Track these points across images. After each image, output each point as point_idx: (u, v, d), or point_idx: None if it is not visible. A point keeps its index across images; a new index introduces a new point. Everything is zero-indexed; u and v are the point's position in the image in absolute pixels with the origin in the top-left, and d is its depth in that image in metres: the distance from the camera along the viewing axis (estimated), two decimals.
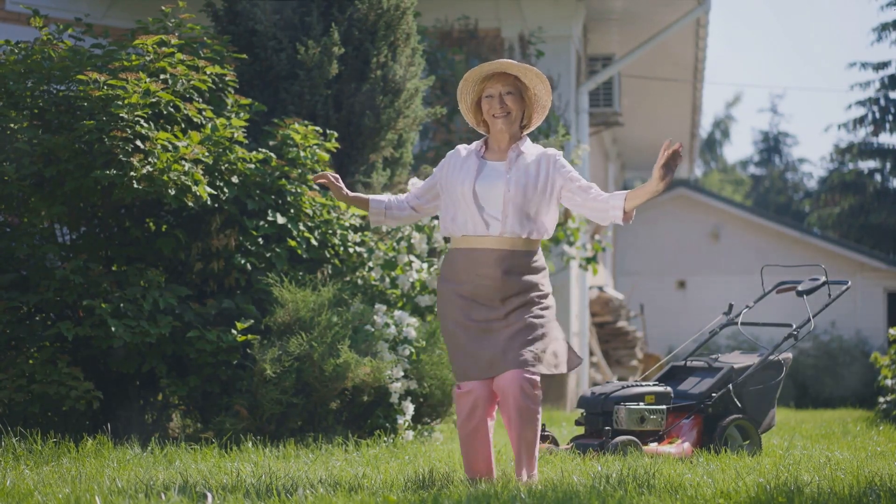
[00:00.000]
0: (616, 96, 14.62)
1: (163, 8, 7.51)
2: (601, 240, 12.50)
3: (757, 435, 6.48)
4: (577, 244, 11.29)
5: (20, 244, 6.75)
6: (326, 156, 7.51)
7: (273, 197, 7.23)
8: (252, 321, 6.83)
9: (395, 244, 7.69)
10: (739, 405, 6.46)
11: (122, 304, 6.55)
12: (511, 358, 4.64)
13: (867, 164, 28.30)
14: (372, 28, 8.20)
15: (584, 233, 11.40)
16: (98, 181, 6.56)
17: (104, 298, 6.60)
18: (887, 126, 27.31)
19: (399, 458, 5.98)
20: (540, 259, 4.84)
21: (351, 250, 7.49)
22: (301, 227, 7.27)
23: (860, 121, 27.38)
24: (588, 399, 6.30)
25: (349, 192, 5.00)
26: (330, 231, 7.40)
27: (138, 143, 6.56)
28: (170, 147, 6.63)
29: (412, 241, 7.75)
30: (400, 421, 7.04)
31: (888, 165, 27.79)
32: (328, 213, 7.40)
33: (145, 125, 6.58)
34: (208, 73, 7.12)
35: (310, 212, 7.31)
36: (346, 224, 7.50)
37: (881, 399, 10.26)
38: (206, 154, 6.83)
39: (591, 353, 14.30)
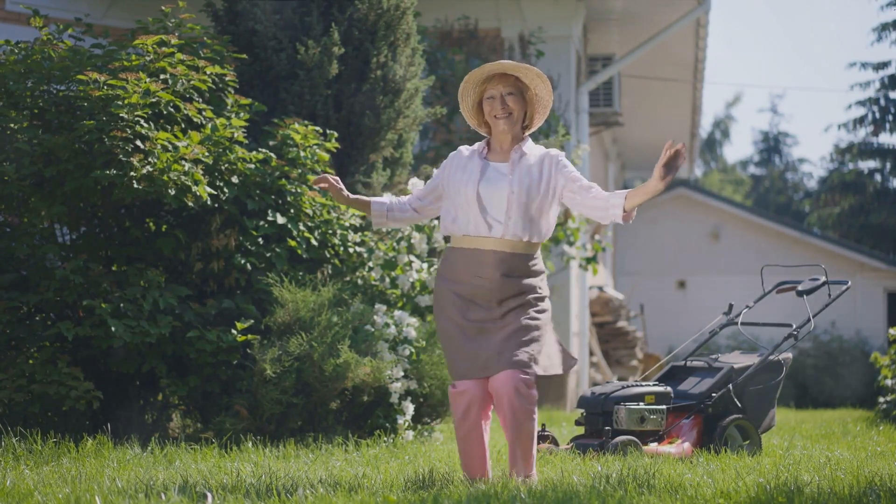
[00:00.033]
0: (616, 96, 14.62)
1: (163, 8, 7.51)
2: (601, 240, 12.50)
3: (757, 435, 6.48)
4: (577, 244, 11.29)
5: (20, 244, 6.75)
6: (326, 156, 7.51)
7: (273, 197, 7.23)
8: (252, 321, 6.83)
9: (395, 244, 7.69)
10: (739, 405, 6.46)
11: (122, 304, 6.55)
12: (506, 358, 4.65)
13: (867, 164, 28.31)
14: (372, 28, 8.20)
15: (584, 233, 11.40)
16: (98, 181, 6.56)
17: (104, 298, 6.60)
18: (887, 126, 27.31)
19: (399, 458, 5.98)
20: (539, 262, 4.85)
21: (351, 250, 7.49)
22: (301, 227, 7.27)
23: (860, 121, 27.38)
24: (588, 399, 6.30)
25: (350, 194, 5.00)
26: (330, 231, 7.40)
27: (138, 143, 6.56)
28: (170, 147, 6.63)
29: (412, 241, 7.75)
30: (400, 421, 7.04)
31: (888, 165, 27.79)
32: (328, 213, 7.40)
33: (145, 125, 6.58)
34: (208, 73, 7.12)
35: (310, 212, 7.31)
36: (346, 224, 7.50)
37: (881, 399, 10.26)
38: (206, 154, 6.83)
39: (591, 353, 14.30)
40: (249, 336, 6.82)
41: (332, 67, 7.96)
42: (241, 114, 7.27)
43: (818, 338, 21.83)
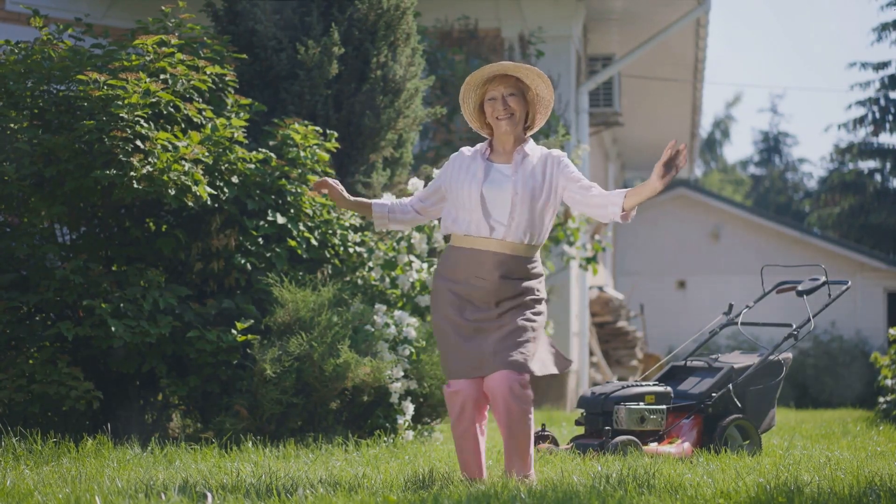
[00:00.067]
0: (616, 96, 14.62)
1: (163, 8, 7.51)
2: (601, 240, 12.50)
3: (757, 435, 6.48)
4: (577, 244, 11.28)
5: (20, 244, 6.75)
6: (326, 156, 7.51)
7: (273, 197, 7.23)
8: (252, 321, 6.83)
9: (395, 244, 7.69)
10: (739, 405, 6.46)
11: (122, 304, 6.55)
12: (501, 359, 4.65)
13: (867, 164, 28.31)
14: (372, 28, 8.20)
15: (584, 233, 11.40)
16: (98, 181, 6.56)
17: (104, 298, 6.60)
18: (887, 126, 27.31)
19: (399, 458, 5.98)
20: (538, 265, 4.85)
21: (351, 250, 7.49)
22: (301, 227, 7.27)
23: (860, 121, 27.38)
24: (588, 399, 6.30)
25: (351, 197, 4.99)
26: (330, 231, 7.40)
27: (138, 143, 6.56)
28: (170, 147, 6.63)
29: (412, 241, 7.75)
30: (400, 421, 7.04)
31: (888, 165, 27.80)
32: (328, 213, 7.40)
33: (145, 125, 6.58)
34: (208, 73, 7.12)
35: (310, 212, 7.31)
36: (346, 224, 7.50)
37: (881, 399, 10.26)
38: (206, 154, 6.83)
39: (591, 353, 14.30)
40: (249, 336, 6.82)
41: (332, 67, 7.96)
42: (241, 114, 7.27)
43: (818, 338, 21.83)
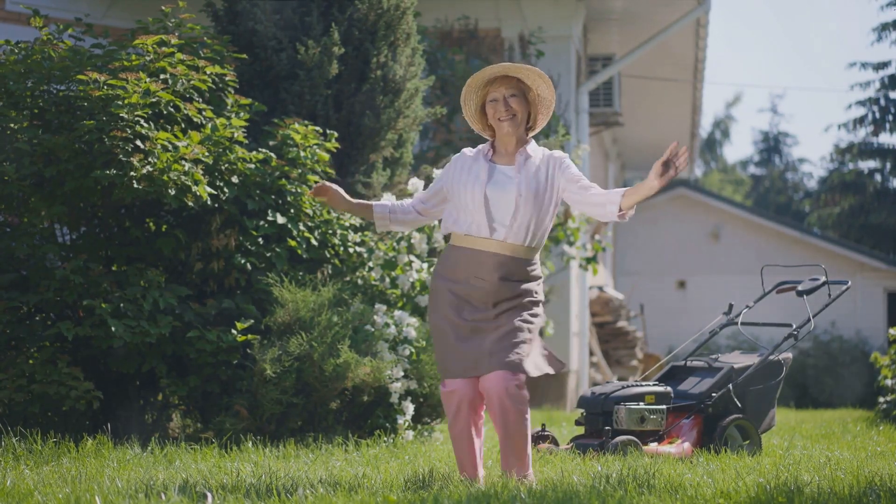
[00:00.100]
0: (616, 96, 14.62)
1: (163, 8, 7.51)
2: (601, 240, 12.50)
3: (757, 435, 6.48)
4: (577, 244, 11.28)
5: (20, 244, 6.75)
6: (326, 156, 7.51)
7: (273, 197, 7.23)
8: (252, 321, 6.83)
9: (395, 244, 7.69)
10: (739, 405, 6.46)
11: (122, 304, 6.55)
12: (497, 359, 4.65)
13: (867, 164, 28.32)
14: (372, 28, 8.20)
15: (584, 233, 11.41)
16: (98, 181, 6.56)
17: (104, 298, 6.60)
18: (887, 126, 27.32)
19: (399, 458, 5.98)
20: (537, 268, 4.86)
21: (351, 250, 7.49)
22: (301, 227, 7.27)
23: (860, 121, 27.39)
24: (588, 399, 6.30)
25: (351, 199, 4.97)
26: (330, 231, 7.40)
27: (138, 143, 6.56)
28: (170, 147, 6.63)
29: (412, 241, 7.75)
30: (400, 421, 7.04)
31: (888, 165, 27.80)
32: (328, 213, 7.40)
33: (145, 125, 6.58)
34: (208, 73, 7.12)
35: (310, 212, 7.31)
36: (346, 224, 7.50)
37: (881, 399, 10.26)
38: (206, 154, 6.83)
39: (591, 353, 14.30)
40: (249, 336, 6.82)
41: (332, 67, 7.96)
42: (241, 114, 7.27)
43: (818, 338, 21.83)
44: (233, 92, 7.46)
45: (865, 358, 20.08)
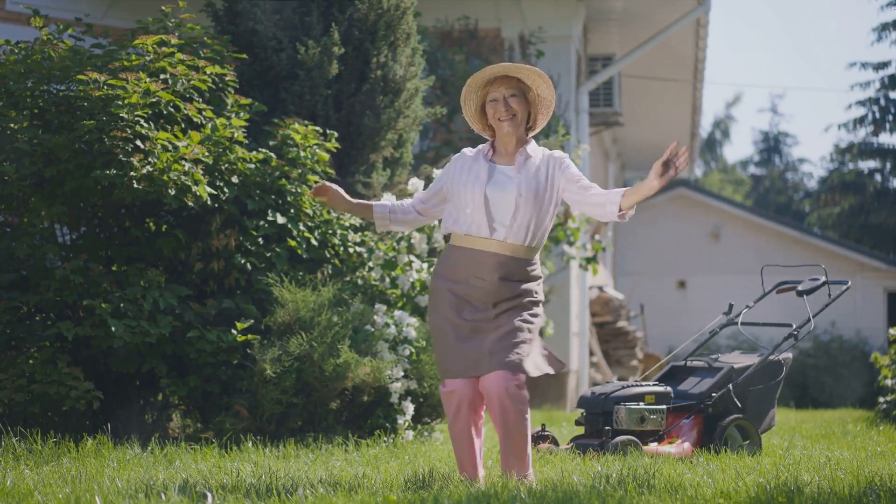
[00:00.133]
0: (616, 96, 14.62)
1: (163, 8, 7.51)
2: (601, 240, 12.50)
3: (757, 435, 6.48)
4: (577, 244, 11.29)
5: (20, 244, 6.75)
6: (326, 156, 7.51)
7: (273, 197, 7.23)
8: (252, 321, 6.83)
9: (395, 244, 7.69)
10: (739, 405, 6.46)
11: (122, 304, 6.55)
12: (497, 359, 4.65)
13: (867, 164, 28.32)
14: (372, 28, 8.20)
15: (584, 233, 11.41)
16: (98, 181, 6.56)
17: (104, 298, 6.60)
18: (887, 126, 27.32)
19: (399, 458, 5.98)
20: (537, 268, 4.86)
21: (351, 250, 7.49)
22: (301, 227, 7.27)
23: (860, 121, 27.39)
24: (588, 399, 6.30)
25: (351, 199, 4.97)
26: (330, 231, 7.40)
27: (138, 143, 6.56)
28: (170, 147, 6.63)
29: (412, 241, 7.75)
30: (400, 421, 7.04)
31: (888, 165, 27.80)
32: (328, 213, 7.40)
33: (145, 125, 6.58)
34: (208, 73, 7.12)
35: (310, 212, 7.31)
36: (346, 224, 7.50)
37: (881, 399, 10.26)
38: (206, 154, 6.83)
39: (591, 353, 14.30)
40: (249, 336, 6.82)
41: (332, 67, 7.96)
42: (241, 114, 7.27)
43: (818, 338, 21.83)
44: (233, 92, 7.46)
45: (865, 358, 20.08)
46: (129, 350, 6.68)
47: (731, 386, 6.45)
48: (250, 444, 6.33)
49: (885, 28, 26.89)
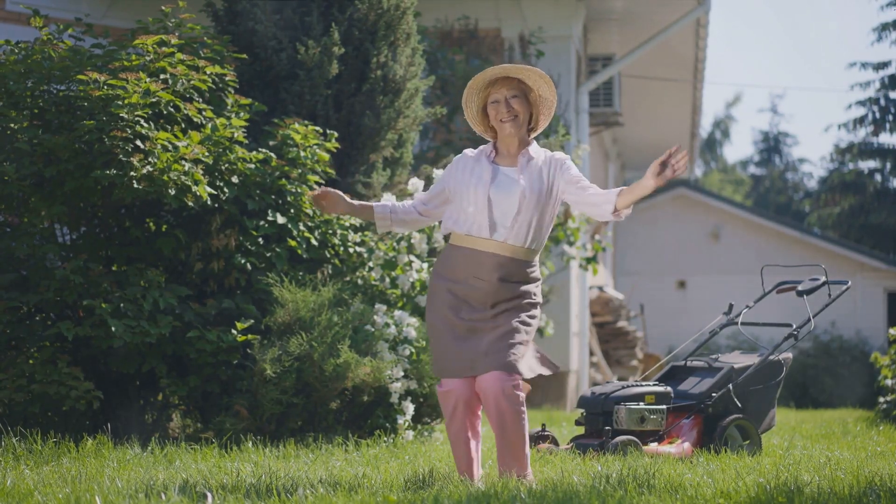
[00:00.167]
0: (616, 96, 14.62)
1: (163, 8, 7.51)
2: (601, 240, 12.50)
3: (757, 435, 6.48)
4: (577, 244, 11.28)
5: (20, 244, 6.75)
6: (326, 156, 7.51)
7: (273, 197, 7.23)
8: (252, 321, 6.83)
9: (395, 244, 7.69)
10: (739, 405, 6.46)
11: (122, 304, 6.55)
12: (493, 359, 4.66)
13: (867, 164, 28.32)
14: (372, 28, 8.20)
15: (584, 233, 11.41)
16: (98, 181, 6.56)
17: (104, 298, 6.60)
18: (887, 126, 27.32)
19: (399, 458, 5.98)
20: (537, 270, 4.86)
21: (351, 250, 7.49)
22: (301, 227, 7.27)
23: (860, 121, 27.39)
24: (588, 399, 6.30)
25: (352, 201, 4.96)
26: (330, 231, 7.40)
27: (138, 143, 6.56)
28: (170, 147, 6.63)
29: (412, 241, 7.75)
30: (400, 421, 7.04)
31: (888, 165, 27.80)
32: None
33: (145, 125, 6.58)
34: (208, 73, 7.12)
35: (310, 212, 7.31)
36: (346, 224, 7.50)
37: (881, 399, 10.26)
38: (206, 154, 6.83)
39: (591, 353, 14.30)
40: (249, 336, 6.82)
41: (332, 67, 7.96)
42: (241, 114, 7.27)
43: (818, 338, 21.83)
44: (233, 92, 7.46)
45: (865, 358, 20.08)
46: (129, 350, 6.68)
47: (731, 386, 6.45)
48: (250, 444, 6.33)
49: (885, 28, 26.89)
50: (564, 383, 12.52)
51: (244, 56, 7.73)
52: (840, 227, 27.50)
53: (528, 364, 4.75)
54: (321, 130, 7.73)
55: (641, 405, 6.14)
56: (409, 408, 7.11)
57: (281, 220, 7.16)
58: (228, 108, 7.32)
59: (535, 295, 4.83)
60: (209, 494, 4.31)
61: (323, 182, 7.65)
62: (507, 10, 12.32)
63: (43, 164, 6.59)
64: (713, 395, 6.43)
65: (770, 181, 41.19)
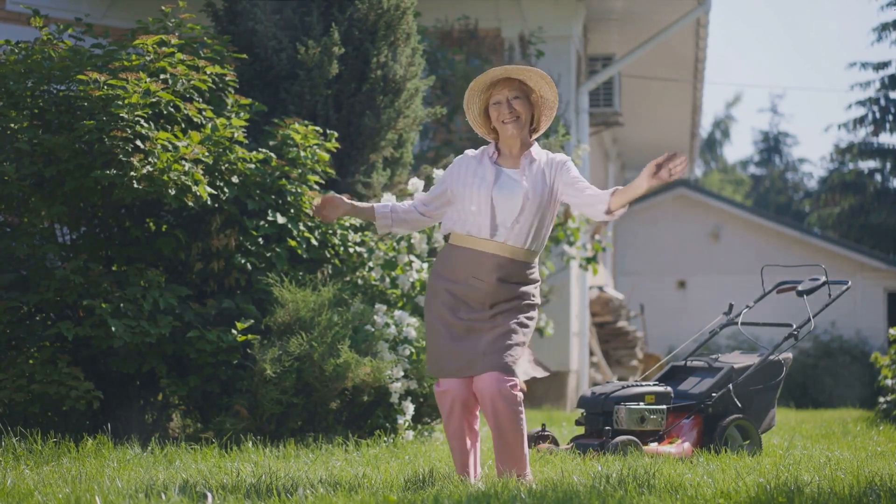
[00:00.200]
0: (616, 96, 14.62)
1: (163, 8, 7.51)
2: (601, 240, 12.50)
3: (757, 435, 6.48)
4: (577, 244, 11.29)
5: (20, 244, 6.75)
6: (326, 156, 7.51)
7: (273, 197, 7.23)
8: (252, 321, 6.83)
9: (395, 244, 7.69)
10: (739, 405, 6.46)
11: (122, 304, 6.55)
12: (490, 360, 4.66)
13: (867, 164, 28.33)
14: (372, 28, 8.20)
15: (584, 233, 11.41)
16: (98, 181, 6.56)
17: (104, 298, 6.60)
18: (887, 126, 27.32)
19: (399, 458, 5.98)
20: (536, 271, 4.87)
21: (351, 250, 7.49)
22: (301, 227, 7.27)
23: (860, 121, 27.39)
24: (588, 399, 6.30)
25: (352, 203, 4.95)
26: (330, 231, 7.40)
27: (138, 143, 6.56)
28: (170, 147, 6.63)
29: (412, 241, 7.76)
30: (400, 421, 7.04)
31: (888, 165, 27.80)
32: None
33: (145, 125, 6.59)
34: (208, 73, 7.12)
35: (310, 212, 7.31)
36: (346, 224, 7.50)
37: (881, 399, 10.26)
38: (206, 154, 6.83)
39: (592, 353, 14.30)
40: (249, 336, 6.82)
41: (332, 67, 7.96)
42: (241, 114, 7.27)
43: (818, 338, 21.83)
44: (233, 92, 7.46)
45: (865, 358, 20.08)
46: (129, 350, 6.68)
47: (731, 386, 6.45)
48: (250, 444, 6.33)
49: (885, 28, 26.89)
50: (564, 383, 12.52)
51: (244, 56, 7.73)
52: (840, 227, 27.50)
53: (522, 367, 4.76)
54: (321, 130, 7.73)
55: (641, 405, 6.15)
56: (409, 408, 7.11)
57: (281, 220, 7.16)
58: (228, 108, 7.32)
59: (533, 296, 4.83)
60: (209, 494, 4.31)
61: (323, 182, 7.65)
62: (507, 10, 12.32)
63: (43, 164, 6.59)
64: (713, 395, 6.43)
65: (770, 181, 41.19)
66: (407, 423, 7.12)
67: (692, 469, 5.21)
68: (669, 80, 16.11)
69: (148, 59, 6.95)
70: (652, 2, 13.08)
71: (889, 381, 10.05)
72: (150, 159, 6.54)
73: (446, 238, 4.92)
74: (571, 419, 10.01)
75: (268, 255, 7.11)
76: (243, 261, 7.02)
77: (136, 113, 6.53)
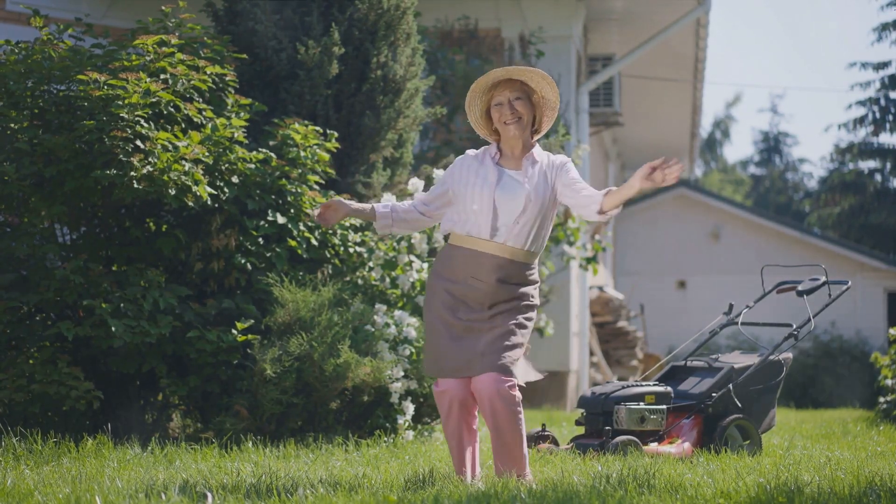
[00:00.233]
0: (616, 96, 14.62)
1: (163, 8, 7.51)
2: (601, 240, 12.50)
3: (757, 435, 6.48)
4: (577, 244, 11.29)
5: (20, 244, 6.75)
6: (326, 156, 7.51)
7: (273, 197, 7.23)
8: (252, 321, 6.83)
9: (395, 244, 7.69)
10: (739, 405, 6.46)
11: (122, 304, 6.55)
12: (489, 360, 4.66)
13: (867, 164, 28.33)
14: (372, 28, 8.20)
15: (584, 233, 11.41)
16: (98, 181, 6.56)
17: (104, 298, 6.60)
18: (887, 126, 27.32)
19: (399, 458, 5.98)
20: (535, 272, 4.87)
21: (351, 250, 7.49)
22: (301, 227, 7.27)
23: (860, 121, 27.39)
24: (588, 399, 6.30)
25: (352, 204, 4.95)
26: (330, 231, 7.40)
27: (138, 143, 6.56)
28: (170, 147, 6.63)
29: (412, 241, 7.75)
30: (400, 421, 7.04)
31: (888, 165, 27.81)
32: None
33: (145, 125, 6.59)
34: (208, 73, 7.12)
35: (310, 212, 7.31)
36: (347, 224, 7.50)
37: (881, 399, 10.27)
38: (207, 154, 6.83)
39: (592, 353, 14.31)
40: (249, 336, 6.82)
41: (332, 67, 7.96)
42: (242, 114, 7.27)
43: (818, 338, 21.83)
44: (233, 92, 7.46)
45: (865, 358, 20.08)
46: (129, 350, 6.68)
47: (731, 386, 6.45)
48: (250, 444, 6.33)
49: (885, 28, 26.89)
50: (564, 383, 12.52)
51: (244, 56, 7.73)
52: (840, 227, 27.51)
53: (521, 368, 4.77)
54: (321, 130, 7.73)
55: (641, 405, 6.15)
56: (410, 408, 7.11)
57: (281, 220, 7.16)
58: (228, 108, 7.32)
59: (532, 297, 4.83)
60: (209, 494, 4.31)
61: (323, 182, 7.65)
62: (507, 10, 12.32)
63: (43, 164, 6.59)
64: (713, 395, 6.43)
65: (770, 181, 41.20)
66: (407, 423, 7.12)
67: (692, 469, 5.21)
68: (669, 80, 16.11)
69: (148, 59, 6.95)
70: (652, 2, 13.08)
71: (889, 381, 10.05)
72: (150, 159, 6.54)
73: (446, 238, 4.92)
74: (571, 419, 10.01)
75: (268, 255, 7.11)
76: (243, 261, 7.02)
77: (136, 113, 6.53)
